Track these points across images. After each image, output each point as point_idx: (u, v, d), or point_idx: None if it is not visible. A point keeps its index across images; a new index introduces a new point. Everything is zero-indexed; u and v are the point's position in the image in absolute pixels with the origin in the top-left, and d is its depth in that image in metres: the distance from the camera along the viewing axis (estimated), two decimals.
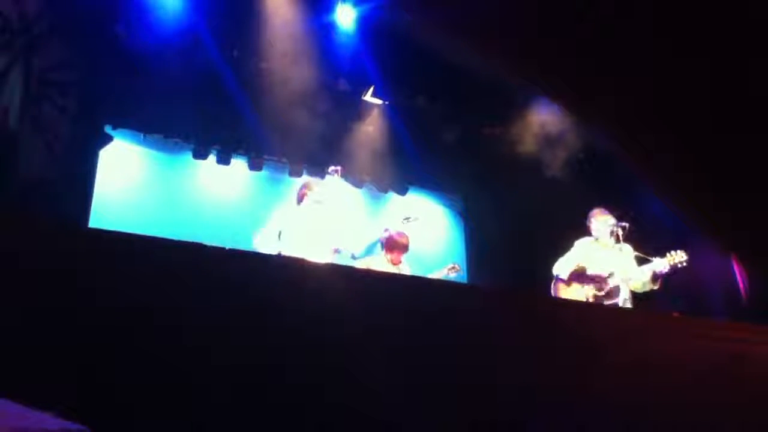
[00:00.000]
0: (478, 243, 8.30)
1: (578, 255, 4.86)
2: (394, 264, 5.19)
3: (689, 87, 5.49)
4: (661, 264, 4.55)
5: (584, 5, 5.56)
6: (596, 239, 4.90)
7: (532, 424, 2.41)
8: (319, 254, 4.52)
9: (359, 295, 2.52)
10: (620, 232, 4.78)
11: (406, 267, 5.28)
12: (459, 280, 7.79)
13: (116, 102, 6.30)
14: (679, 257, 4.54)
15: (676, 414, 2.55)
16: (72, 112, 5.83)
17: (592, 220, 4.95)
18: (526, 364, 2.52)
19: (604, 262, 4.76)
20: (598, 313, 3.73)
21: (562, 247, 5.02)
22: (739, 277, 6.28)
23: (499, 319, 2.68)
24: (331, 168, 4.88)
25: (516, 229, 7.53)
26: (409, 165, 7.75)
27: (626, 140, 6.39)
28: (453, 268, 5.55)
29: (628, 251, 4.78)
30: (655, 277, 4.61)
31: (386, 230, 5.29)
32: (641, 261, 4.71)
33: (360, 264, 4.95)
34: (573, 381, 2.52)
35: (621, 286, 4.66)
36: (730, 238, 6.06)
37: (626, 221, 4.84)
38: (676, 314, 4.45)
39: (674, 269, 4.57)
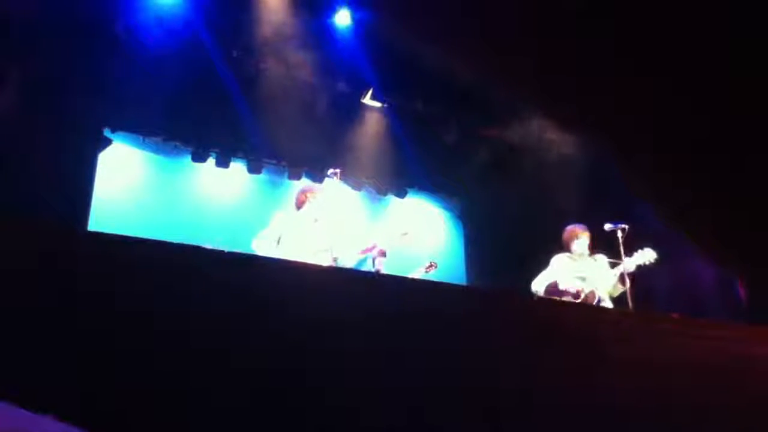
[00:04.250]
0: (477, 246, 8.30)
1: (555, 271, 4.88)
2: None
3: (687, 95, 5.50)
4: (628, 264, 4.56)
5: (583, 6, 5.57)
6: (572, 255, 4.91)
7: (531, 426, 2.41)
8: (318, 261, 4.49)
9: (360, 298, 2.52)
10: (620, 234, 4.77)
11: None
12: (459, 280, 7.83)
13: (115, 105, 6.30)
14: (647, 256, 4.54)
15: (676, 415, 2.55)
16: (72, 115, 5.83)
17: (570, 239, 4.93)
18: (525, 365, 2.52)
19: (580, 273, 4.80)
20: (597, 314, 3.74)
21: (560, 249, 5.02)
22: (738, 284, 6.27)
23: (498, 321, 2.68)
24: (330, 171, 4.87)
25: (514, 231, 7.53)
26: (408, 167, 7.75)
27: (622, 145, 6.40)
28: (430, 265, 5.53)
29: (602, 261, 4.84)
30: (622, 278, 4.61)
31: (373, 247, 5.18)
32: (613, 266, 4.74)
33: None
34: (572, 382, 2.52)
35: (595, 291, 4.70)
36: (726, 248, 6.05)
37: (624, 224, 4.83)
38: (675, 315, 4.43)
39: (641, 268, 4.57)
